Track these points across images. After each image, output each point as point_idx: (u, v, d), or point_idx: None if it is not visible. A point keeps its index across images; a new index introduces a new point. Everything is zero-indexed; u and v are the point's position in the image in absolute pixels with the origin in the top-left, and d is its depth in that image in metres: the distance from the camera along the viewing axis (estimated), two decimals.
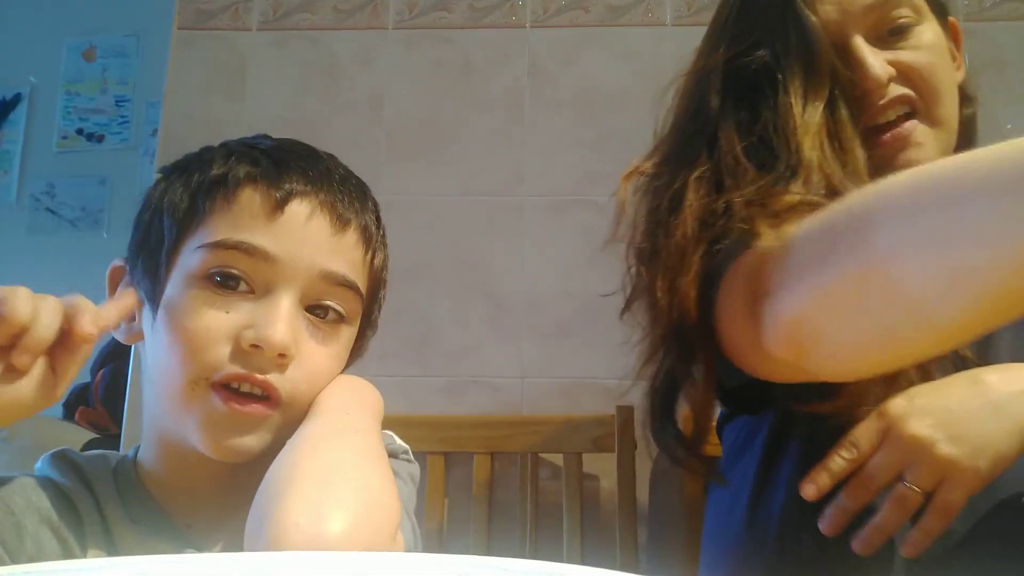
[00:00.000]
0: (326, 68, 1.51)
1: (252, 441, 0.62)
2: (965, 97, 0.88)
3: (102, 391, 1.86)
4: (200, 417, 0.62)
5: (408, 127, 1.48)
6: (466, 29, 1.52)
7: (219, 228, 0.63)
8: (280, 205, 0.64)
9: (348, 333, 0.69)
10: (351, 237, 0.68)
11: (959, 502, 0.67)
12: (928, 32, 0.82)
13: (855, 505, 0.70)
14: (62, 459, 0.67)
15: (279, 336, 0.61)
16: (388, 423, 0.75)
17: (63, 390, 0.59)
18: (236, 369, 0.61)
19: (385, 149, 1.48)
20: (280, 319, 0.62)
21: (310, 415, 0.62)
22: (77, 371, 0.59)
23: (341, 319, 0.67)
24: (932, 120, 0.81)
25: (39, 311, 0.56)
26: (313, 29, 1.53)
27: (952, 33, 0.89)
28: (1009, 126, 1.42)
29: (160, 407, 0.66)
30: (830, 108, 0.78)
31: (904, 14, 0.81)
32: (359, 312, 0.70)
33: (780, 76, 0.79)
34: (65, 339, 0.57)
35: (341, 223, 0.67)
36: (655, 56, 1.47)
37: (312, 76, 1.51)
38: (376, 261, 0.72)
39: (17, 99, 2.90)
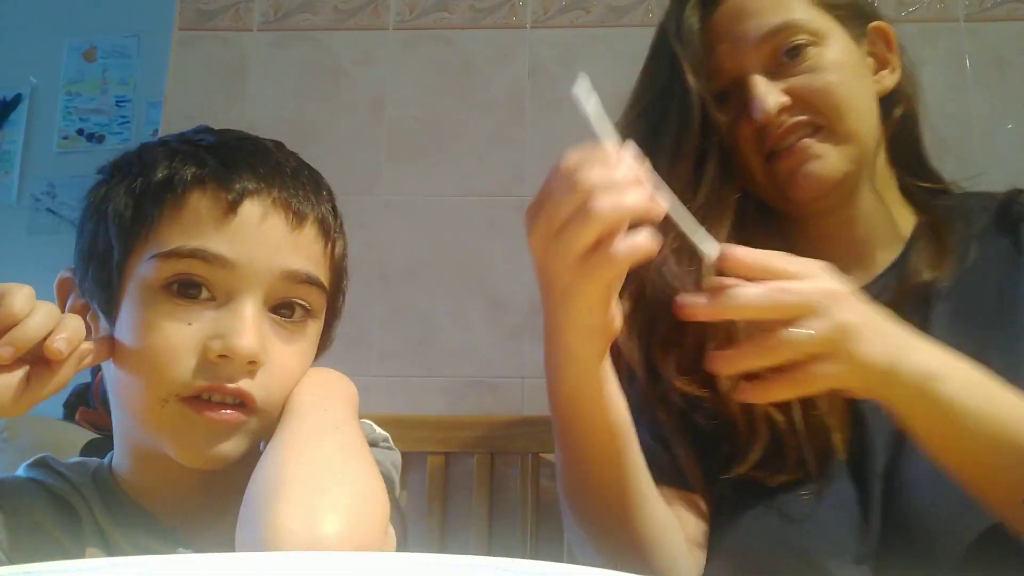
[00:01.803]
0: (327, 68, 1.51)
1: (229, 448, 0.61)
2: (899, 99, 0.89)
3: (102, 391, 1.86)
4: (174, 431, 0.60)
5: (408, 127, 1.48)
6: (466, 29, 1.52)
7: (171, 236, 0.61)
8: (232, 207, 0.61)
9: (314, 328, 0.67)
10: (309, 231, 0.65)
11: (828, 378, 0.61)
12: (830, 51, 0.83)
13: (744, 307, 0.60)
14: (45, 465, 0.67)
15: (247, 344, 0.59)
16: (389, 423, 0.75)
17: (31, 403, 0.57)
18: (204, 382, 0.59)
19: (385, 149, 1.48)
20: (246, 326, 0.60)
21: (287, 414, 0.61)
22: (51, 391, 0.57)
23: (307, 315, 0.66)
24: (837, 136, 0.82)
25: (35, 311, 0.56)
26: (314, 29, 1.53)
27: (881, 37, 0.90)
28: (1010, 126, 1.42)
29: (130, 422, 0.65)
30: (699, 166, 0.83)
31: (799, 39, 0.82)
32: (324, 306, 0.68)
33: (655, 138, 0.83)
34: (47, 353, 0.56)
35: (297, 219, 0.64)
36: None
37: (313, 76, 1.51)
38: (336, 251, 0.69)
39: (18, 99, 2.90)
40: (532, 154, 1.45)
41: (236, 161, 0.64)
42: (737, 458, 0.80)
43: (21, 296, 0.56)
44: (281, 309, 0.64)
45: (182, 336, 0.60)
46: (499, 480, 1.32)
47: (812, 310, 0.59)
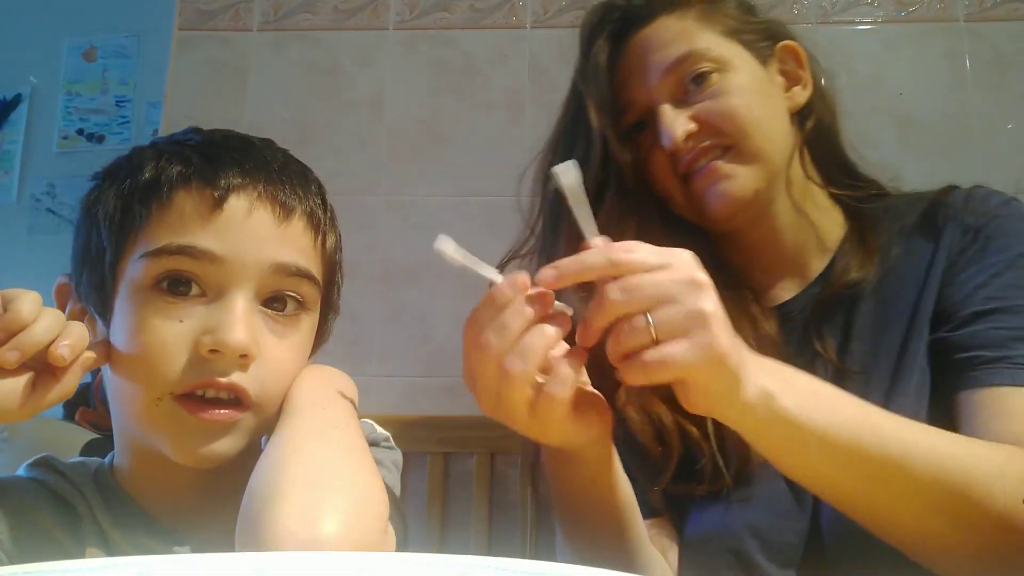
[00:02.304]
0: (327, 69, 1.51)
1: (225, 446, 0.61)
2: (810, 112, 0.92)
3: (102, 391, 1.85)
4: (169, 431, 0.61)
5: (408, 127, 1.48)
6: (466, 30, 1.52)
7: (159, 235, 0.61)
8: (218, 203, 0.62)
9: (309, 322, 0.67)
10: (297, 225, 0.65)
11: (676, 361, 0.56)
12: (734, 76, 0.86)
13: (602, 308, 0.57)
14: (47, 465, 0.67)
15: (237, 338, 0.59)
16: (389, 423, 0.75)
17: (35, 409, 0.57)
18: (197, 378, 0.60)
19: (385, 149, 1.48)
20: (236, 320, 0.60)
21: (286, 412, 0.61)
22: (55, 398, 0.58)
23: (300, 309, 0.66)
24: (744, 156, 0.85)
25: (42, 317, 0.56)
26: (314, 30, 1.53)
27: (791, 55, 0.92)
28: (1010, 126, 1.42)
29: (127, 421, 0.65)
30: (599, 198, 0.86)
31: (703, 67, 0.86)
32: (318, 299, 0.68)
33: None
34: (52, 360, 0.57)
35: (284, 212, 0.64)
36: None
37: (313, 77, 1.51)
38: (328, 244, 0.69)
39: (18, 99, 2.90)
40: (532, 154, 1.45)
41: (221, 158, 0.64)
42: (659, 472, 0.83)
43: (28, 301, 0.56)
44: (273, 303, 0.64)
45: (173, 333, 0.60)
46: (499, 480, 1.32)
47: (667, 299, 0.56)
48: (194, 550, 0.64)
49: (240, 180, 0.63)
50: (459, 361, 0.61)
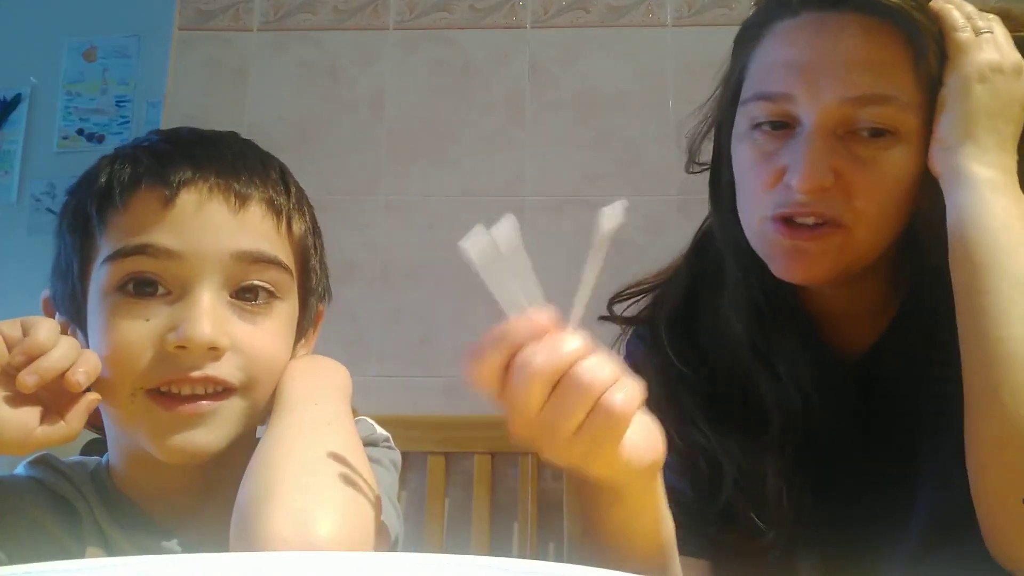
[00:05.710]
0: (327, 69, 1.51)
1: (205, 437, 0.60)
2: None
3: None
4: (146, 428, 0.60)
5: (408, 127, 1.49)
6: (466, 30, 1.52)
7: (116, 238, 0.61)
8: (170, 200, 0.61)
9: (284, 309, 0.65)
10: (255, 212, 0.64)
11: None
12: (900, 156, 0.70)
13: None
14: (46, 463, 0.67)
15: (202, 331, 0.59)
16: (388, 423, 0.75)
17: (40, 445, 0.57)
18: (167, 373, 0.59)
19: (385, 149, 1.48)
20: (201, 314, 0.59)
21: (277, 408, 0.61)
22: (60, 439, 0.57)
23: (271, 298, 0.64)
24: (845, 240, 0.72)
25: (59, 343, 0.57)
26: (314, 30, 1.53)
27: None
28: None
29: (112, 425, 0.65)
30: None
31: (886, 125, 0.70)
32: (291, 285, 0.66)
33: None
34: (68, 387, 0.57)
35: (239, 201, 0.63)
36: (655, 56, 1.47)
37: (313, 76, 1.51)
38: (295, 229, 0.67)
39: (18, 99, 2.90)
40: (532, 154, 1.45)
41: (171, 155, 0.64)
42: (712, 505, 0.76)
43: (46, 328, 0.57)
44: (244, 294, 0.63)
45: (139, 332, 0.60)
46: (499, 480, 1.32)
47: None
48: (187, 548, 0.64)
49: (190, 175, 0.62)
50: (458, 361, 0.59)
